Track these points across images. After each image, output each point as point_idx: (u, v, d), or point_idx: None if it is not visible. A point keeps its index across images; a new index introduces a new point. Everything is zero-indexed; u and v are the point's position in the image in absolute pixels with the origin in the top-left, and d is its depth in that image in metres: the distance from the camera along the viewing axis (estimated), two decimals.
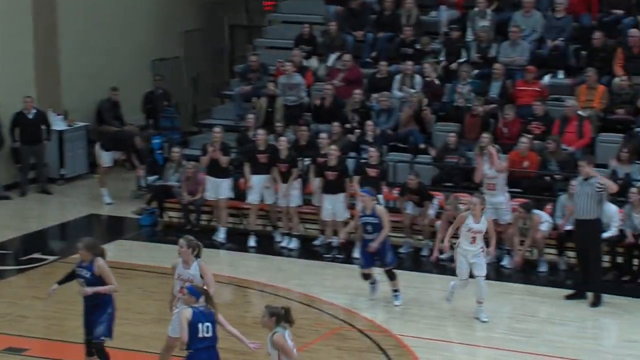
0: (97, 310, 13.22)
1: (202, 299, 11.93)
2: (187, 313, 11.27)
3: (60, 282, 13.63)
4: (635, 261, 17.76)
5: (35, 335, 15.74)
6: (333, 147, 18.72)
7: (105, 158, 21.86)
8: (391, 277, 15.49)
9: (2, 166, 22.28)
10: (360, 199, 15.82)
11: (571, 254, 17.87)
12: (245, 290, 17.74)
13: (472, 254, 14.70)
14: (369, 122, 20.21)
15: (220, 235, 19.08)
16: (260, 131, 19.48)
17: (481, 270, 14.65)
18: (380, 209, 15.58)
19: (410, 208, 18.38)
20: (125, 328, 15.06)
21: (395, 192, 18.88)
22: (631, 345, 14.95)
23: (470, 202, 14.97)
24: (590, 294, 16.12)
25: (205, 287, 12.81)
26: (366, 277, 15.51)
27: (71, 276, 13.40)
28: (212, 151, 19.11)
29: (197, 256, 13.13)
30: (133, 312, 16.24)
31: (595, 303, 15.82)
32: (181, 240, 13.18)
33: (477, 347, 15.50)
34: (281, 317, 10.79)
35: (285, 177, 18.92)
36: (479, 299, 14.81)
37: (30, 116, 22.05)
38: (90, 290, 13.16)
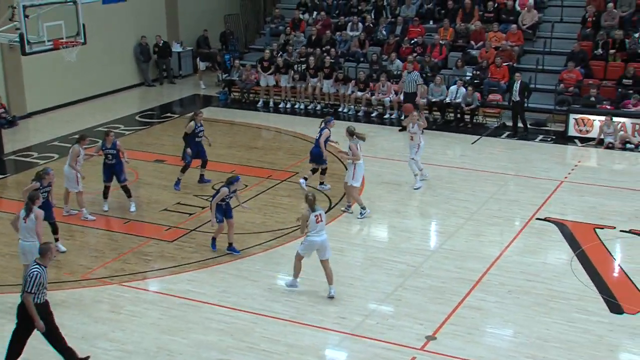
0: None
1: None
2: None
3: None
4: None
5: (170, 154, 17.47)
6: (312, 58, 22.20)
7: (201, 65, 25.10)
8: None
9: (151, 70, 25.31)
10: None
11: None
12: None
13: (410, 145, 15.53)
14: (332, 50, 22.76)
15: (260, 104, 22.50)
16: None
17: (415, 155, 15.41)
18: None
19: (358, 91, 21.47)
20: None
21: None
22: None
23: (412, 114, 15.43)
24: None
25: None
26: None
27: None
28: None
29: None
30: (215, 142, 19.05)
31: None
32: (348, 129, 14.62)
33: None
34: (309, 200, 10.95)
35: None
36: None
37: (161, 44, 25.05)
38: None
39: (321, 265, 11.12)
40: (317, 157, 15.23)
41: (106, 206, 14.40)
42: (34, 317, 8.89)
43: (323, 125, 15.18)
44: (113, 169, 14.21)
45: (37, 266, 8.93)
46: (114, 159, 14.12)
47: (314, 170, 15.45)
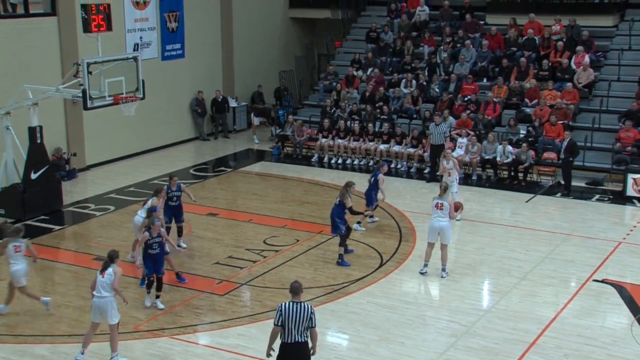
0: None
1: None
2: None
3: None
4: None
5: (223, 207, 18.08)
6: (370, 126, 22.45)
7: (256, 120, 25.45)
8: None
9: (205, 124, 25.79)
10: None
11: None
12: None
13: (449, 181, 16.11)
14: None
15: (314, 158, 22.58)
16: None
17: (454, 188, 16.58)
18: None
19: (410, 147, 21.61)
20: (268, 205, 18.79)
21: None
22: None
23: (445, 152, 17.23)
24: None
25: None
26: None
27: None
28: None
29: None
30: (268, 196, 19.22)
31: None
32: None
33: None
34: None
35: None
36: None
37: (219, 99, 25.63)
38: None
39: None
40: (370, 199, 16.41)
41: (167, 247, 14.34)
42: (315, 349, 9.16)
43: (377, 170, 16.40)
44: (175, 211, 15.01)
45: (305, 304, 9.01)
46: (178, 201, 15.00)
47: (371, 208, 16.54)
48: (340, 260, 14.56)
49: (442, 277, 13.75)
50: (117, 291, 10.80)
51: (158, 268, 12.62)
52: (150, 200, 14.16)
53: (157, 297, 12.70)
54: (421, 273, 13.97)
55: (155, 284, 12.68)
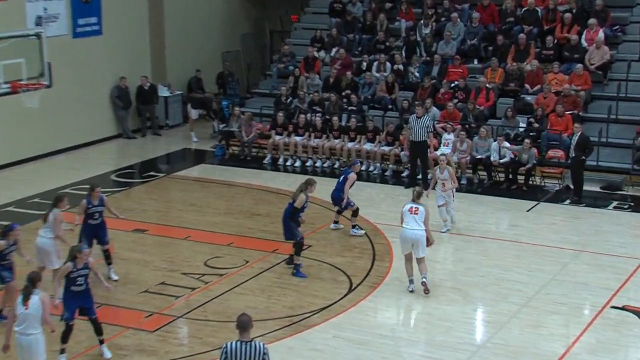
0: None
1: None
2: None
3: None
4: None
5: (153, 222, 17.90)
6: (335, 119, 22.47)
7: (193, 113, 25.36)
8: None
9: (130, 118, 25.52)
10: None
11: None
12: None
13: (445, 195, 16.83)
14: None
15: (267, 160, 22.58)
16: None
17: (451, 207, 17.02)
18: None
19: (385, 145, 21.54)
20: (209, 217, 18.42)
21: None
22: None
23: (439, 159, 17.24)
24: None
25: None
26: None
27: None
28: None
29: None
30: (209, 207, 19.05)
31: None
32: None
33: None
34: None
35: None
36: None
37: (146, 88, 25.44)
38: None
39: None
40: (338, 201, 16.89)
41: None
42: None
43: (347, 168, 17.10)
44: (97, 231, 14.56)
45: (256, 342, 8.86)
46: (100, 218, 14.57)
47: (339, 212, 17.16)
48: (295, 271, 14.82)
49: (424, 292, 13.76)
50: (46, 322, 10.55)
51: (88, 309, 11.98)
52: (52, 213, 13.75)
53: (101, 342, 12.10)
54: (410, 292, 14.04)
55: (69, 331, 11.90)
